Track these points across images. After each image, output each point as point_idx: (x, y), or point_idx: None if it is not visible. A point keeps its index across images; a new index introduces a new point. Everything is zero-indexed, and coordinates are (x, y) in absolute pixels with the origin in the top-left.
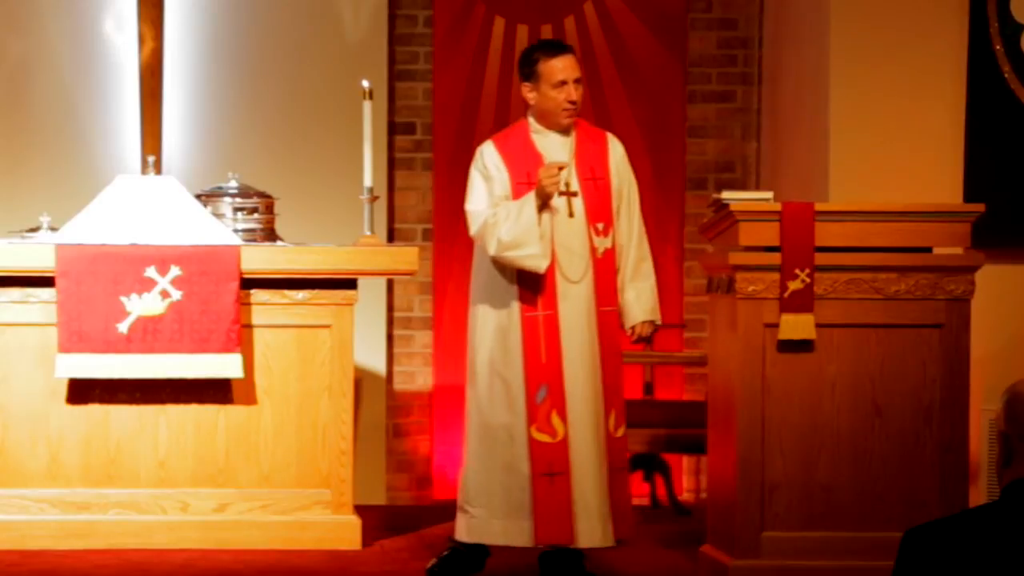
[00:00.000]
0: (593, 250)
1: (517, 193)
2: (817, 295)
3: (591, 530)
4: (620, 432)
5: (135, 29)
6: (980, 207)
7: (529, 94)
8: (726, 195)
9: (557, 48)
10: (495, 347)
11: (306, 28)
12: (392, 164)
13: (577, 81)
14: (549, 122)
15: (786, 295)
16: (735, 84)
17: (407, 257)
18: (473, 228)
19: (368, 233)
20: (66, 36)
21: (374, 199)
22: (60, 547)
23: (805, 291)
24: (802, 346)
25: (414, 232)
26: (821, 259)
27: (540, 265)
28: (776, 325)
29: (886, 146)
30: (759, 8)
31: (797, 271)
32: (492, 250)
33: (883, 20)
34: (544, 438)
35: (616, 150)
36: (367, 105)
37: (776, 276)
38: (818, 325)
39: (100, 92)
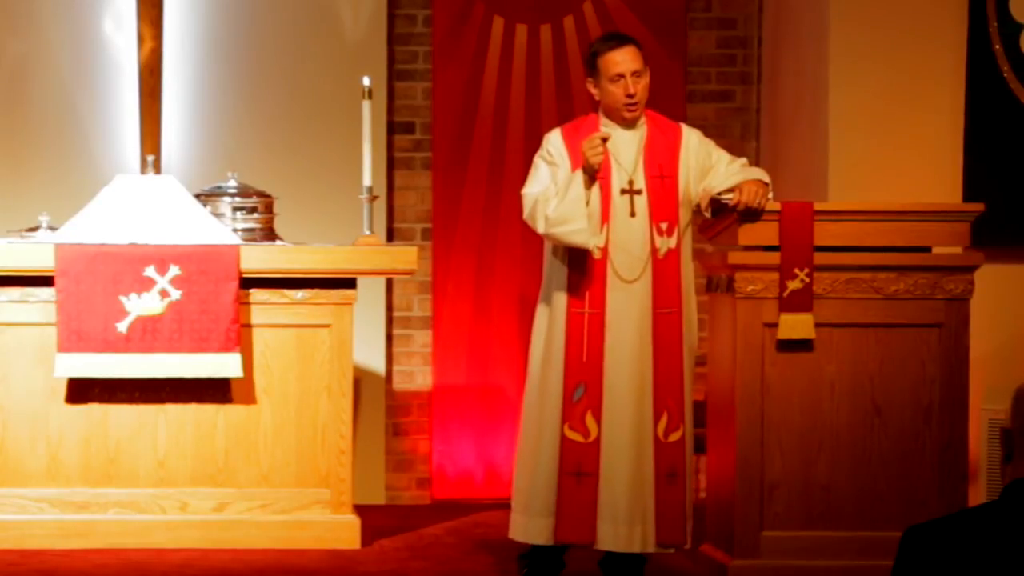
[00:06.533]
0: (654, 251)
1: None
2: (816, 295)
3: (615, 534)
4: (674, 437)
5: (135, 29)
6: (980, 207)
7: (592, 90)
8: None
9: (615, 40)
10: (544, 343)
11: (306, 28)
12: (391, 164)
13: (636, 74)
14: (616, 117)
15: (785, 295)
16: (734, 84)
17: (406, 257)
18: (525, 210)
19: (367, 233)
20: (66, 36)
21: (373, 199)
22: (60, 547)
23: (804, 291)
24: (801, 346)
25: (413, 232)
26: (820, 259)
27: (588, 241)
28: (775, 325)
29: (886, 146)
30: (758, 8)
31: (796, 271)
32: (540, 228)
33: (883, 20)
34: (576, 437)
35: (689, 141)
36: (366, 104)
37: (775, 276)
38: (817, 325)
39: (100, 92)
